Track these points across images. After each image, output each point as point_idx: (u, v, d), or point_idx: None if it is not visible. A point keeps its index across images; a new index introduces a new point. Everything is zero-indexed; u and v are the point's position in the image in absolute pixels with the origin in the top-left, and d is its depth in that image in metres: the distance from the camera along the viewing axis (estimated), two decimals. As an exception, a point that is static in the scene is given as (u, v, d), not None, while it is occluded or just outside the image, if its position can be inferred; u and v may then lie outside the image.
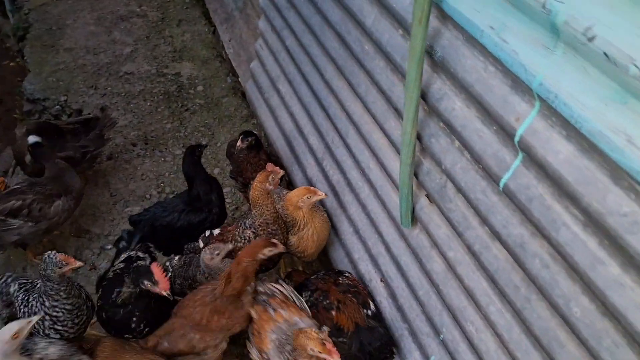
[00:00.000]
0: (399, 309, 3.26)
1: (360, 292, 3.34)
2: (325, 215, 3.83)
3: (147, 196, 4.77)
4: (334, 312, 3.20)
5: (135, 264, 3.23)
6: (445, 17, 2.34)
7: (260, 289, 3.12)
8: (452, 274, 2.70)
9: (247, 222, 3.57)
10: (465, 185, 2.40)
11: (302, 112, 4.36)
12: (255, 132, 4.42)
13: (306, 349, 2.73)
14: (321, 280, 3.39)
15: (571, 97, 1.72)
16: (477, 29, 2.09)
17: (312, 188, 3.56)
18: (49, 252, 2.99)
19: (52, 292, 3.03)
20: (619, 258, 1.70)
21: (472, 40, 2.20)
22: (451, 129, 2.45)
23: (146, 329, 3.14)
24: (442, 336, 2.85)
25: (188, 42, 6.67)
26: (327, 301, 3.24)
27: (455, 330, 2.75)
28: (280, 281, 3.30)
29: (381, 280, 3.46)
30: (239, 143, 4.16)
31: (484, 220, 2.34)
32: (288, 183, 4.68)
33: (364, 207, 3.56)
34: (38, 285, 3.14)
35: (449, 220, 2.62)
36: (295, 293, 3.26)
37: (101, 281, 3.37)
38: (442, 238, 2.73)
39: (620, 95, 1.60)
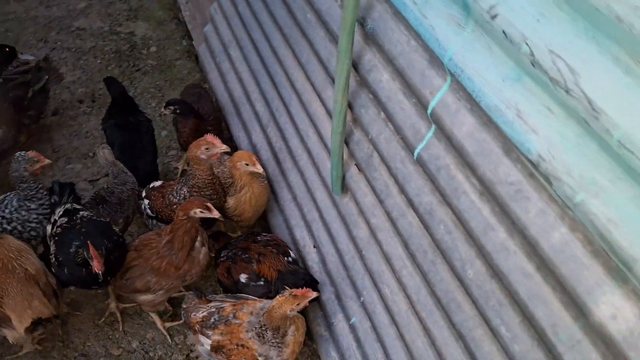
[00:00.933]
0: (328, 273, 3.39)
1: (279, 244, 3.48)
2: (266, 182, 3.91)
3: (90, 154, 4.74)
4: (254, 265, 3.34)
5: (77, 216, 3.33)
6: (376, -10, 2.43)
7: (205, 313, 3.13)
8: (374, 240, 2.84)
9: (186, 179, 3.63)
10: (388, 154, 2.52)
11: (251, 79, 4.40)
12: (183, 100, 4.40)
13: (286, 315, 2.84)
14: (241, 241, 3.53)
15: (475, 72, 1.84)
16: (402, 3, 2.18)
17: (254, 157, 3.57)
18: (19, 152, 3.18)
19: (33, 192, 3.24)
20: (505, 224, 1.85)
21: (399, 15, 2.30)
22: (378, 101, 2.56)
23: (111, 278, 3.23)
24: (362, 298, 2.99)
25: (145, 2, 6.56)
26: (246, 255, 3.38)
27: (374, 292, 2.90)
28: (210, 297, 3.33)
29: (314, 247, 3.58)
30: (162, 109, 4.18)
31: (402, 189, 2.47)
32: (234, 149, 4.74)
33: (302, 174, 3.66)
34: (11, 197, 3.36)
35: (373, 188, 2.74)
36: (230, 294, 3.38)
37: (48, 238, 3.38)
38: (367, 205, 2.86)
39: (516, 73, 1.73)
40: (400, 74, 2.33)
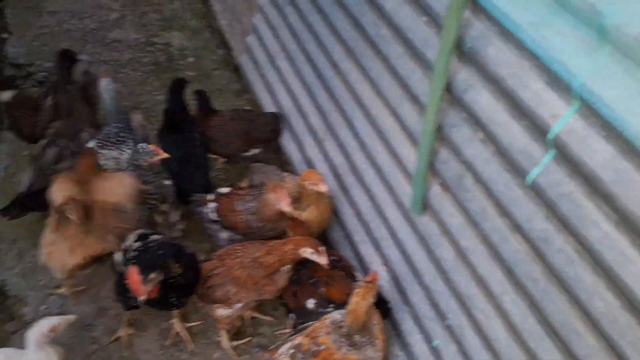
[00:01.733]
0: (402, 292, 3.31)
1: (346, 266, 3.42)
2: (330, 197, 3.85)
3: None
4: (323, 289, 3.26)
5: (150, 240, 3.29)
6: (477, 8, 2.33)
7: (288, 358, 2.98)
8: (464, 262, 2.75)
9: (258, 193, 3.61)
10: (487, 176, 2.44)
11: (303, 91, 4.32)
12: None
13: (371, 306, 2.81)
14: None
15: (615, 99, 1.75)
16: (515, 23, 2.09)
17: (320, 177, 3.54)
18: (142, 143, 3.55)
19: (149, 176, 3.57)
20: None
21: (507, 34, 2.21)
22: (476, 121, 2.47)
23: (186, 299, 3.31)
24: (448, 321, 2.91)
25: (177, 11, 6.48)
26: (313, 279, 3.29)
27: (463, 316, 2.81)
28: (274, 347, 3.20)
29: (383, 264, 3.50)
30: None
31: (504, 213, 2.38)
32: (285, 161, 4.66)
33: (367, 190, 3.58)
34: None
35: (465, 209, 2.66)
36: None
37: (121, 264, 3.34)
38: (455, 227, 2.77)
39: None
40: (507, 95, 2.24)
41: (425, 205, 3.00)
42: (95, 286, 4.02)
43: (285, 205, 3.39)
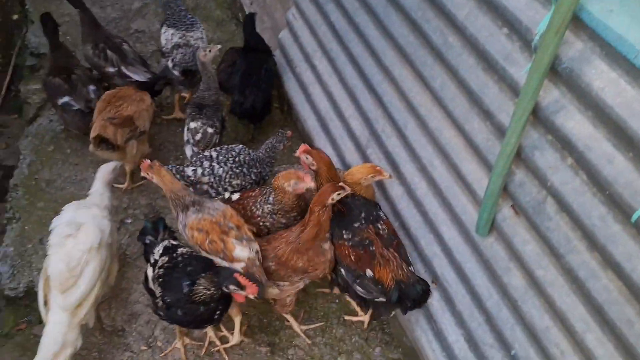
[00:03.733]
0: (455, 314, 3.15)
1: (401, 244, 3.29)
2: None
3: (169, 167, 4.49)
4: (375, 266, 3.13)
5: (177, 253, 3.15)
6: (579, 26, 2.15)
7: None
8: (537, 292, 2.59)
9: (270, 197, 3.44)
10: (578, 208, 2.26)
11: (344, 94, 4.12)
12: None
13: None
14: (364, 223, 3.26)
15: None
16: (632, 48, 1.91)
17: (377, 167, 3.40)
18: (281, 129, 3.89)
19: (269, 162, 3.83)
20: None
21: (615, 56, 2.02)
22: (565, 145, 2.29)
23: (224, 313, 3.19)
24: (513, 351, 2.75)
25: (201, 1, 6.24)
26: (372, 248, 3.16)
27: (531, 348, 2.66)
28: None
29: (433, 282, 3.34)
30: None
31: (598, 248, 2.21)
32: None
33: (418, 204, 3.40)
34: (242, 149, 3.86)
35: (543, 238, 2.49)
36: None
37: (151, 281, 3.20)
38: (528, 254, 2.60)
39: None
40: (612, 123, 2.07)
41: (492, 227, 2.83)
42: (125, 291, 3.87)
43: (309, 182, 3.24)
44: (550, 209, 2.44)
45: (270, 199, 3.43)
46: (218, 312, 3.07)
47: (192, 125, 4.18)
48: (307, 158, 3.39)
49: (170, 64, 4.57)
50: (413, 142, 3.38)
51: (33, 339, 3.65)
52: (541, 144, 2.42)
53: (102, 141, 4.00)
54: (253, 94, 4.45)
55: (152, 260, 3.21)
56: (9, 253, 4.08)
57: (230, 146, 3.90)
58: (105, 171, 3.66)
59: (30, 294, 3.87)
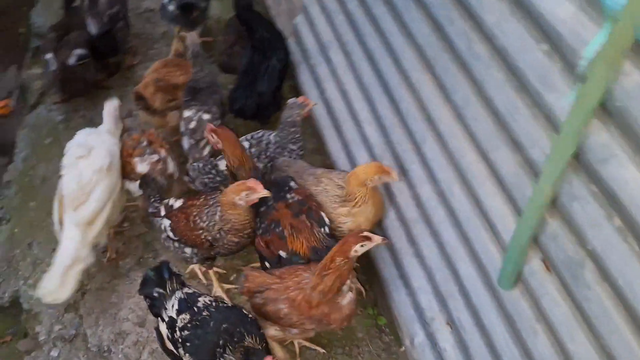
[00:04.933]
0: (470, 362, 2.72)
1: (312, 208, 3.09)
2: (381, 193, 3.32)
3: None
4: (287, 240, 3.01)
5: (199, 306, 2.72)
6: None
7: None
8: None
9: (217, 215, 3.07)
10: (623, 283, 1.77)
11: (360, 95, 3.64)
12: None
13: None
14: (273, 202, 3.12)
15: None
16: None
17: (384, 167, 3.01)
18: (291, 99, 3.47)
19: (297, 136, 3.45)
20: None
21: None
22: (613, 202, 1.79)
23: None
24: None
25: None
26: (279, 228, 3.04)
27: None
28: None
29: (447, 324, 2.90)
30: None
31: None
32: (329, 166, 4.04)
33: (435, 233, 2.94)
34: (270, 141, 3.52)
35: (579, 308, 2.01)
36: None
37: (172, 344, 2.78)
38: (559, 319, 2.13)
39: None
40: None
41: (517, 279, 2.35)
42: (114, 306, 3.56)
43: (261, 190, 2.90)
44: (590, 275, 1.94)
45: (217, 217, 3.05)
46: None
47: (186, 113, 3.79)
48: (212, 137, 3.24)
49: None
50: (431, 160, 2.90)
51: (16, 354, 3.43)
52: (582, 194, 1.91)
53: (139, 98, 3.98)
54: (254, 93, 4.00)
55: (166, 318, 2.75)
56: (-4, 258, 3.83)
57: (262, 135, 3.58)
58: (110, 106, 3.69)
59: (15, 305, 3.63)
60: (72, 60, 4.23)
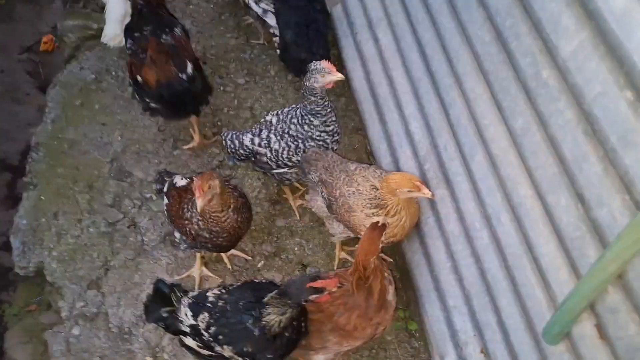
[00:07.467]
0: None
1: (180, 54, 3.41)
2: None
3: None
4: (145, 67, 3.36)
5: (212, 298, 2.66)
6: None
7: None
8: None
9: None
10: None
11: (407, 85, 3.32)
12: None
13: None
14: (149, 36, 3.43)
15: None
16: None
17: (417, 182, 2.81)
18: (314, 62, 3.05)
19: (319, 108, 3.07)
20: None
21: None
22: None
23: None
24: None
25: None
26: (144, 55, 3.38)
27: None
28: None
29: (481, 352, 2.73)
30: None
31: None
32: (370, 153, 3.79)
33: (476, 256, 2.72)
34: (295, 110, 3.24)
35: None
36: None
37: (195, 348, 2.74)
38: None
39: None
40: None
41: (565, 337, 2.12)
42: (137, 286, 3.51)
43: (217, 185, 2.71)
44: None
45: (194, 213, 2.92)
46: (294, 339, 2.61)
47: None
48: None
49: None
50: (479, 180, 2.63)
51: (40, 326, 3.44)
52: (654, 277, 1.65)
53: None
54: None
55: (187, 330, 2.68)
56: (22, 226, 3.77)
57: (291, 111, 3.31)
58: None
59: (40, 274, 3.61)
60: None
